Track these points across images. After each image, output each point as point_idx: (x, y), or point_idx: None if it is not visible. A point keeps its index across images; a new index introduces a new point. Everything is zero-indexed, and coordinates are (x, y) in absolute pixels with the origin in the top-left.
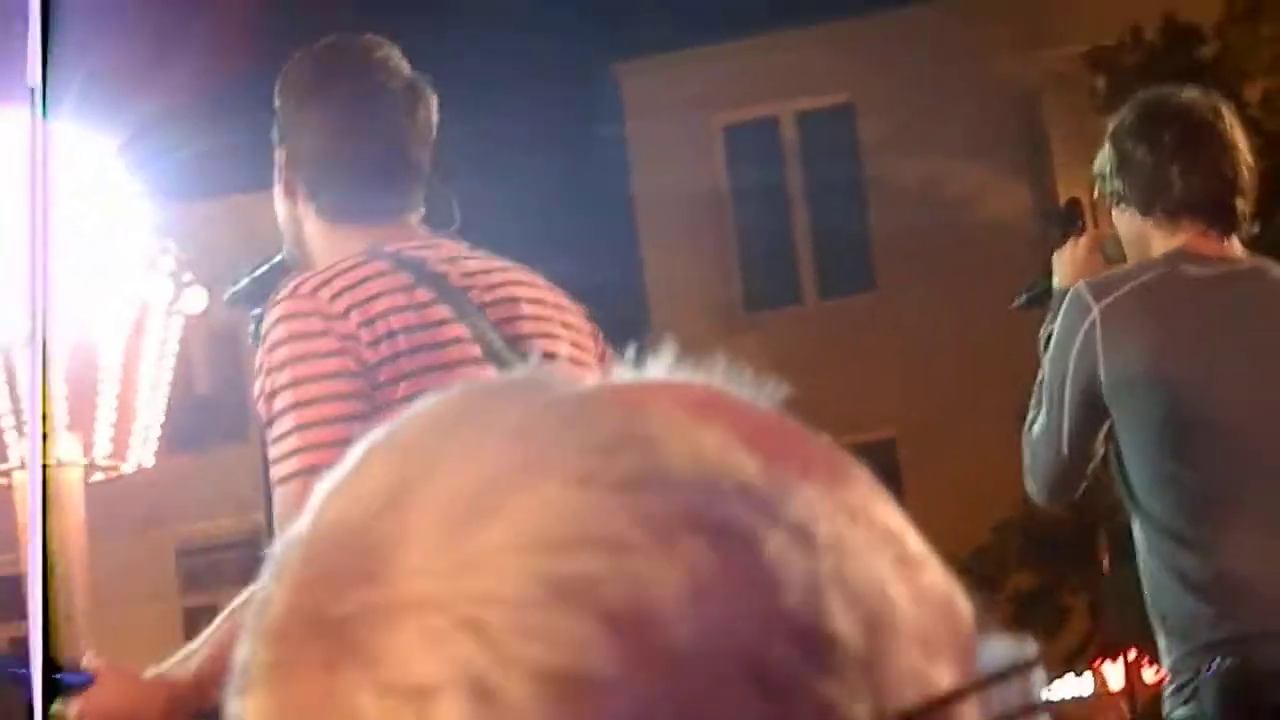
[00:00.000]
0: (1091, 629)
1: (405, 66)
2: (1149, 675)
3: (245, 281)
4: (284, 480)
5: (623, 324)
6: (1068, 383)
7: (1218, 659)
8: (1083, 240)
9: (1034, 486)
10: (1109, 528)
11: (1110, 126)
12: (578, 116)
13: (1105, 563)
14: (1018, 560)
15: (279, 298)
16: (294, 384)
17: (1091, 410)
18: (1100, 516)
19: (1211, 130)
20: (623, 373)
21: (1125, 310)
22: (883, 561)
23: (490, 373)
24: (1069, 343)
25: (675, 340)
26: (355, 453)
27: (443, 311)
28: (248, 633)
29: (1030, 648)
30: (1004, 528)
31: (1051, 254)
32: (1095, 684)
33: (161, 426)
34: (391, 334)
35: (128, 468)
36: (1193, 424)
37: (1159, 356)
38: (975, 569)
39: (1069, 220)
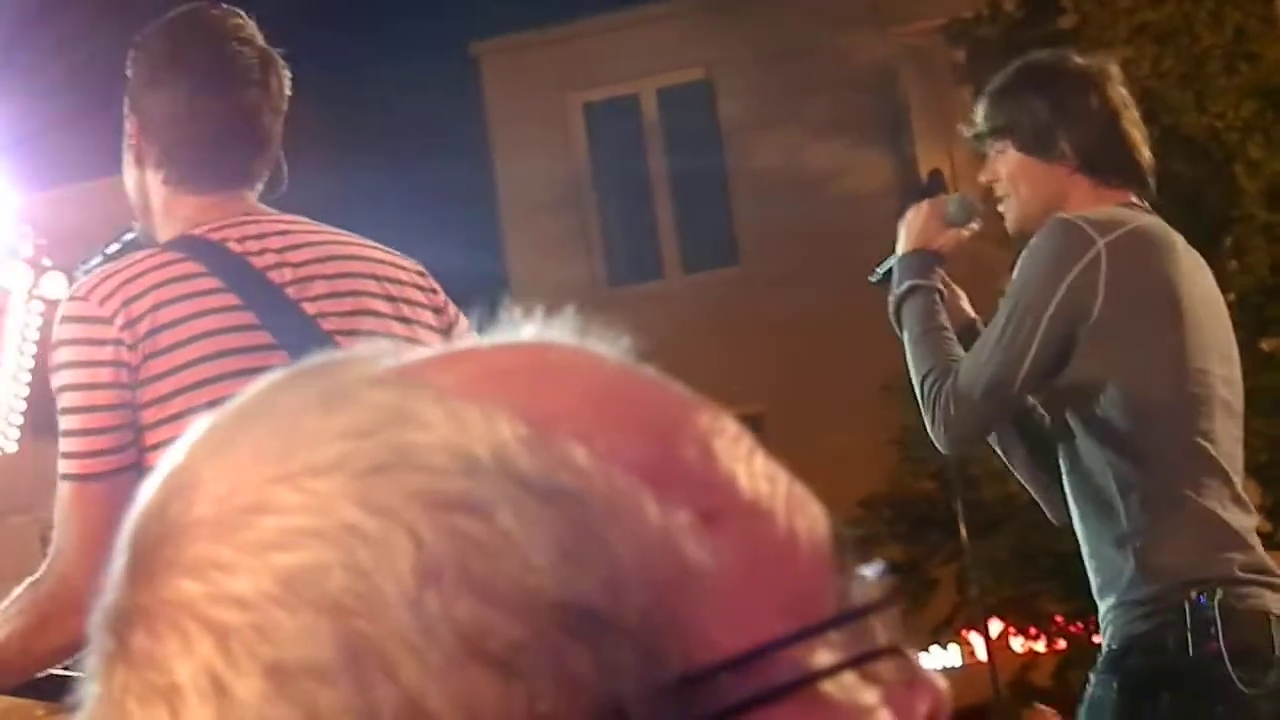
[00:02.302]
0: (958, 601)
1: (259, 38)
2: (1016, 645)
3: (97, 260)
4: (61, 478)
5: (486, 304)
6: (1051, 309)
7: (1206, 595)
8: (924, 205)
9: (955, 426)
10: (966, 500)
11: (1016, 79)
12: (436, 97)
13: (963, 535)
14: (886, 534)
15: (66, 297)
16: (66, 389)
17: (1066, 342)
18: (961, 489)
19: (1130, 100)
20: (440, 343)
21: (1129, 247)
22: (677, 518)
23: (280, 356)
24: (1062, 270)
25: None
26: (179, 441)
27: (227, 299)
28: None
29: (881, 588)
30: (871, 501)
31: None
32: (963, 655)
33: (23, 413)
34: (154, 331)
35: None
36: (1187, 370)
37: (1166, 298)
38: None
39: (932, 192)
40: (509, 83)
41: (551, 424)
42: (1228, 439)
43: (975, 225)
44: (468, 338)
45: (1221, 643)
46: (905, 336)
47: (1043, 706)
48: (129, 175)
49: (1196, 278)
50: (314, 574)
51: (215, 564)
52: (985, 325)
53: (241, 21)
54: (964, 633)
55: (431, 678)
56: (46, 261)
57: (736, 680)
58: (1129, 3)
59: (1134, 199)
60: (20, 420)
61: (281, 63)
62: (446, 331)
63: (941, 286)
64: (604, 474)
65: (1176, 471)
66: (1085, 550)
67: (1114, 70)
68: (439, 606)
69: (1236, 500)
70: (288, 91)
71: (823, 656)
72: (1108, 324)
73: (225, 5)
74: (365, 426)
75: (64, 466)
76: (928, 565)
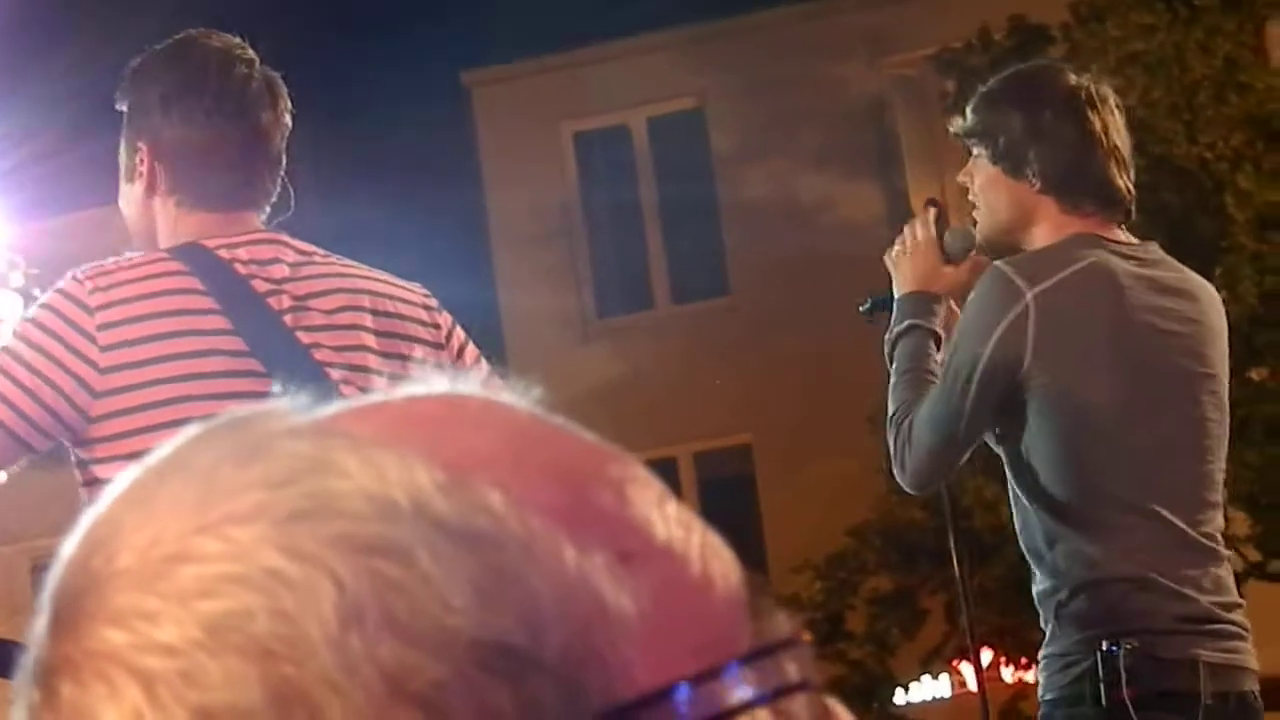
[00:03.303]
0: (949, 631)
1: (258, 62)
2: (1006, 675)
3: None
4: None
5: (476, 334)
6: (981, 364)
7: (1117, 644)
8: (921, 245)
9: (910, 471)
10: (958, 530)
11: (1003, 87)
12: (427, 126)
13: (955, 566)
14: (875, 563)
15: (69, 274)
16: (19, 336)
17: (1000, 395)
18: (953, 518)
19: (1120, 122)
20: (369, 395)
21: (1061, 298)
22: (594, 560)
23: (266, 383)
24: (990, 325)
25: (529, 348)
26: (100, 497)
27: (216, 321)
28: None
29: (788, 625)
30: (861, 530)
31: None
32: (953, 685)
33: None
34: (129, 343)
35: None
36: (1123, 418)
37: (1100, 346)
38: (832, 572)
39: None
40: (500, 112)
41: (468, 470)
42: (1178, 481)
43: (973, 257)
44: (475, 367)
45: (1126, 692)
46: (892, 372)
47: None
48: (133, 203)
49: (1156, 312)
50: (239, 619)
51: (140, 613)
52: None
53: (245, 46)
54: (954, 662)
55: (356, 718)
56: (37, 292)
57: (651, 718)
58: (1119, 32)
59: (1107, 227)
60: None
61: (283, 85)
62: (448, 363)
63: (939, 329)
64: (520, 518)
65: (1103, 525)
66: None
67: (1106, 92)
68: (362, 648)
69: (1186, 544)
70: (289, 114)
71: (735, 695)
72: (1037, 376)
73: (221, 33)
74: (283, 476)
75: None
76: (918, 595)
